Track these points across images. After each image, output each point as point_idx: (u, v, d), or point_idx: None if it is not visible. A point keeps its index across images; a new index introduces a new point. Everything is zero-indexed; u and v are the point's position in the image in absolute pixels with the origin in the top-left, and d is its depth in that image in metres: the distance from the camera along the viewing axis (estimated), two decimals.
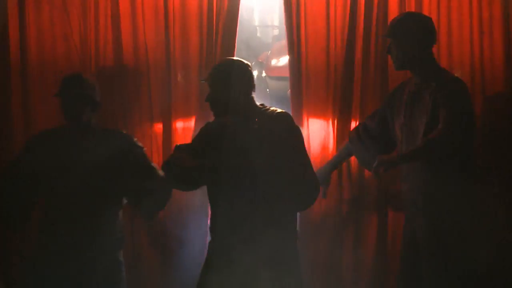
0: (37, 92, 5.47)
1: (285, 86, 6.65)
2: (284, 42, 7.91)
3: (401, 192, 5.05)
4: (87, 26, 5.49)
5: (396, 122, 4.95)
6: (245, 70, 4.50)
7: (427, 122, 4.69)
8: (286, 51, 7.28)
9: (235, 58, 4.68)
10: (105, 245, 4.87)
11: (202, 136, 4.63)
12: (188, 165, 4.38)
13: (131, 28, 5.50)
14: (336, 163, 5.34)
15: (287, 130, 4.45)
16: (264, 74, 6.90)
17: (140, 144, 4.99)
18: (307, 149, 4.70)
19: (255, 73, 6.71)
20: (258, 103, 4.51)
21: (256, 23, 9.72)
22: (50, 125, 5.19)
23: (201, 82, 5.11)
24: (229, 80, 4.42)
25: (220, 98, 4.46)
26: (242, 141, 4.42)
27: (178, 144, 4.74)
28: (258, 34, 9.49)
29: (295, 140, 4.49)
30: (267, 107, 4.53)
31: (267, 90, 6.69)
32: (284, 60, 7.13)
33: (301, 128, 5.09)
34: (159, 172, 4.80)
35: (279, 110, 4.49)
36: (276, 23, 9.67)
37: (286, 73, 6.72)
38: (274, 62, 7.07)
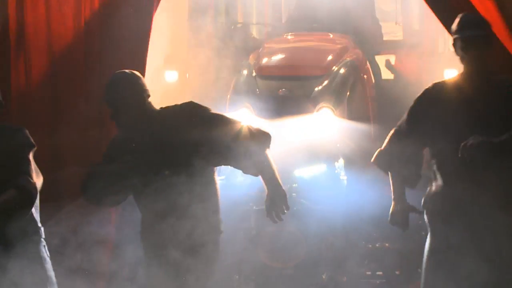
0: None
1: (276, 86, 6.58)
2: (276, 39, 7.88)
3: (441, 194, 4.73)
4: None
5: (453, 120, 4.67)
6: (135, 80, 4.67)
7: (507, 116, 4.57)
8: (278, 49, 7.30)
9: (122, 72, 4.76)
10: None
11: (109, 151, 4.82)
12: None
13: None
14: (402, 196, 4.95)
15: (192, 112, 4.64)
16: (254, 74, 6.81)
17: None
18: None
19: (244, 72, 6.83)
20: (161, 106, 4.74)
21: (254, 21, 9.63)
22: None
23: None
24: (123, 95, 4.59)
25: (120, 114, 4.62)
26: (150, 148, 4.63)
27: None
28: (254, 34, 9.32)
29: (207, 115, 4.66)
30: (171, 106, 4.74)
31: (257, 90, 6.63)
32: (276, 58, 7.12)
33: None
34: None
35: (181, 102, 4.74)
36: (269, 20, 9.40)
37: (278, 72, 6.81)
38: (265, 60, 7.02)
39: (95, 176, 4.70)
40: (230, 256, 6.34)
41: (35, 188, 4.49)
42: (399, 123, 4.95)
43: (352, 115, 6.69)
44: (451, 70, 7.39)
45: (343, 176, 6.43)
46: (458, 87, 4.77)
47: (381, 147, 5.02)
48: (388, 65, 8.23)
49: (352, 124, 6.63)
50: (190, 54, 8.27)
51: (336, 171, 6.44)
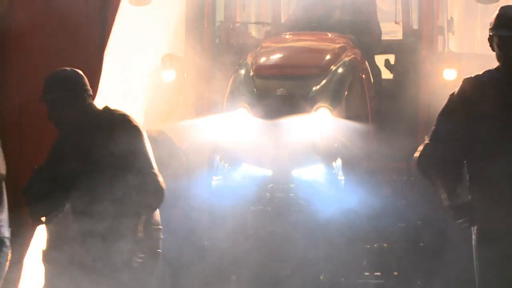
0: None
1: (274, 85, 6.55)
2: (274, 39, 7.84)
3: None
4: None
5: (490, 118, 4.46)
6: (75, 79, 4.66)
7: None
8: (276, 49, 7.27)
9: (62, 70, 4.73)
10: None
11: (51, 152, 4.82)
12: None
13: None
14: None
15: (124, 131, 4.65)
16: (251, 73, 6.77)
17: None
18: None
19: (242, 72, 6.80)
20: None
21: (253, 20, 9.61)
22: None
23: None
24: (62, 94, 4.59)
25: (58, 113, 4.63)
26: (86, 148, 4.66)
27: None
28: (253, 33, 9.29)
29: (133, 141, 4.68)
30: (110, 109, 4.75)
31: (254, 90, 6.60)
32: (273, 58, 7.10)
33: None
34: None
35: (119, 112, 4.74)
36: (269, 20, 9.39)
37: (276, 72, 6.77)
38: (263, 60, 7.00)
39: (33, 181, 4.72)
40: (227, 256, 6.44)
41: None
42: (435, 123, 4.69)
43: (350, 115, 6.66)
44: (450, 70, 7.37)
45: (341, 176, 6.41)
46: (495, 84, 4.52)
47: (415, 153, 4.86)
48: (387, 64, 8.19)
49: (350, 124, 6.61)
50: (187, 54, 8.23)
51: (334, 171, 6.41)
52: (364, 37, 7.94)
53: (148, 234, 4.82)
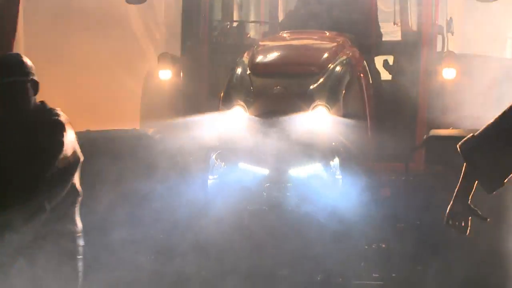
0: None
1: (271, 84, 6.48)
2: (271, 37, 7.77)
3: None
4: None
5: None
6: (19, 64, 4.62)
7: None
8: (273, 47, 7.19)
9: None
10: None
11: None
12: None
13: None
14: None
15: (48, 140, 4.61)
16: (248, 72, 6.70)
17: None
18: None
19: (238, 70, 6.73)
20: None
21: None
22: None
23: None
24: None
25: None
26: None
27: None
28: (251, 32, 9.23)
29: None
30: (48, 108, 4.72)
31: (251, 88, 6.52)
32: (270, 56, 7.02)
33: None
34: None
35: (54, 116, 4.69)
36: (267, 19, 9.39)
37: (272, 70, 6.70)
38: (259, 58, 6.90)
39: None
40: (224, 256, 6.36)
41: None
42: (500, 114, 4.25)
43: (348, 114, 6.57)
44: (449, 69, 7.31)
45: (338, 176, 6.34)
46: None
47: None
48: (386, 65, 8.13)
49: (348, 123, 6.51)
50: (184, 53, 8.16)
51: (331, 170, 6.35)
52: (363, 38, 7.87)
53: (68, 240, 4.84)
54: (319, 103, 6.34)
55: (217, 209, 6.52)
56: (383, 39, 8.33)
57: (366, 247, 6.72)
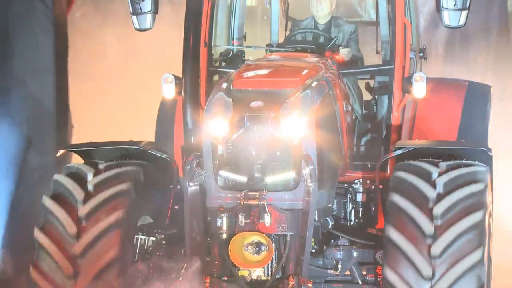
0: None
1: (250, 98, 6.61)
2: (258, 58, 7.96)
3: None
4: None
5: None
6: None
7: None
8: (256, 66, 7.37)
9: None
10: None
11: None
12: None
13: None
14: None
15: None
16: (231, 87, 6.85)
17: None
18: None
19: (224, 85, 6.89)
20: None
21: None
22: None
23: None
24: None
25: None
26: None
27: None
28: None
29: None
30: None
31: (232, 101, 6.66)
32: (252, 73, 7.18)
33: None
34: None
35: None
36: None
37: (252, 86, 6.84)
38: (242, 75, 7.09)
39: None
40: (202, 259, 6.52)
41: None
42: None
43: (321, 126, 6.66)
44: (419, 90, 7.62)
45: (310, 183, 6.38)
46: None
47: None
48: (367, 87, 8.46)
49: (321, 135, 6.64)
50: (185, 75, 8.16)
51: (303, 179, 6.40)
52: (346, 62, 8.23)
53: None
54: (292, 116, 6.37)
55: (197, 214, 6.66)
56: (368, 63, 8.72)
57: (338, 251, 6.89)
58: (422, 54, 8.93)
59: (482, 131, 8.58)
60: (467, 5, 7.04)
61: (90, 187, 6.56)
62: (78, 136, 11.65)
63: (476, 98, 8.74)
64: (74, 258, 6.27)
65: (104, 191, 6.52)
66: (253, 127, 6.49)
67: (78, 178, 6.68)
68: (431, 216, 6.09)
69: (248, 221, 6.39)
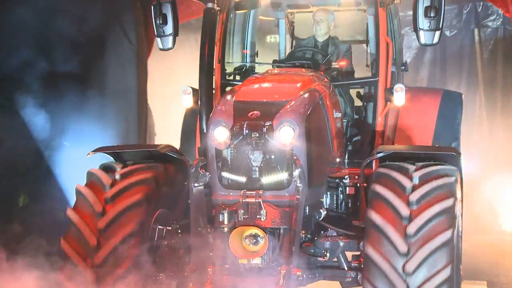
0: None
1: (249, 109, 7.10)
2: (260, 73, 8.51)
3: None
4: None
5: None
6: None
7: None
8: (256, 80, 7.91)
9: None
10: None
11: None
12: None
13: None
14: None
15: None
16: (234, 99, 7.32)
17: None
18: None
19: (228, 98, 7.37)
20: None
21: None
22: None
23: None
24: None
25: None
26: None
27: None
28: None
29: None
30: None
31: (233, 112, 7.14)
32: (252, 87, 7.68)
33: None
34: None
35: None
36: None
37: (251, 98, 7.36)
38: (243, 89, 7.60)
39: None
40: (206, 251, 6.98)
41: None
42: None
43: (311, 132, 7.15)
44: (398, 98, 8.45)
45: (300, 183, 6.85)
46: None
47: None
48: (358, 95, 9.19)
49: (310, 140, 7.08)
50: (201, 88, 8.41)
51: (294, 179, 6.86)
52: (339, 75, 9.00)
53: None
54: (285, 124, 6.86)
55: (201, 211, 7.16)
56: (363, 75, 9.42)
57: (329, 244, 7.31)
58: (403, 67, 9.74)
59: (454, 133, 9.37)
60: (440, 26, 7.70)
61: (117, 176, 7.36)
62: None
63: (449, 105, 9.52)
64: (98, 231, 6.99)
65: (127, 179, 7.31)
66: (250, 134, 6.97)
67: (108, 170, 7.54)
68: (407, 203, 6.66)
69: (246, 216, 6.89)
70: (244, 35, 9.98)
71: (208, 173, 7.17)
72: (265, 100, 7.32)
